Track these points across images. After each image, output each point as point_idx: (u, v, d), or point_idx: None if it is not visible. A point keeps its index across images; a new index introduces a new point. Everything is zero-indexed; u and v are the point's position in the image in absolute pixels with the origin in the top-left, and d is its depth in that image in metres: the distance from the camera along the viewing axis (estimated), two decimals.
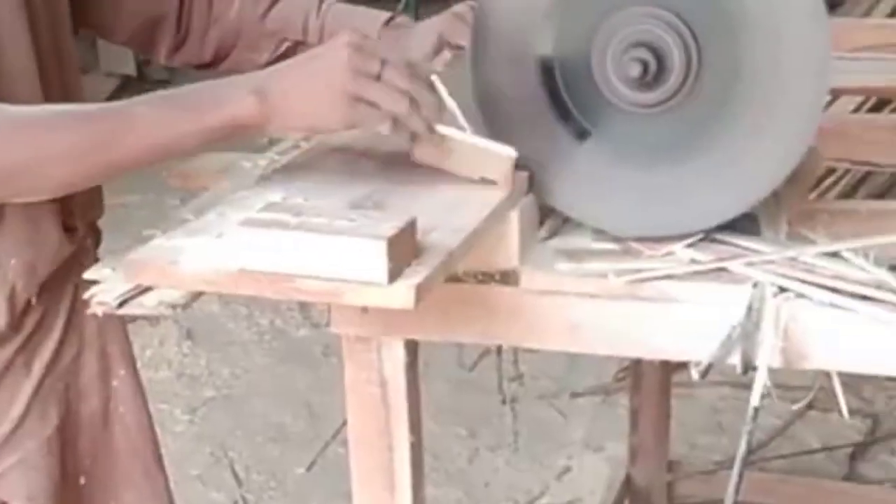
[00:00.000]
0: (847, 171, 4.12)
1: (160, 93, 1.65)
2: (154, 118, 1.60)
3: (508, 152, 1.67)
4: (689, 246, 1.68)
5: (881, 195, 4.21)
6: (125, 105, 1.64)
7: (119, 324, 2.00)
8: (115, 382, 2.00)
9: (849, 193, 4.20)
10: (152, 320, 4.51)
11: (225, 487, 3.79)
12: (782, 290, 1.59)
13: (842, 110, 2.99)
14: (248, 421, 4.12)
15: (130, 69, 7.08)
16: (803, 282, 1.59)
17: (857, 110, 3.65)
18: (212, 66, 2.10)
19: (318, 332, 4.53)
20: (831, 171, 4.01)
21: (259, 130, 1.63)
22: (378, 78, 1.59)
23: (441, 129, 1.67)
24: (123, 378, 2.01)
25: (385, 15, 2.06)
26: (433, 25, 1.97)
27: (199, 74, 1.84)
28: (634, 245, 1.70)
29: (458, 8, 1.97)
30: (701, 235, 1.69)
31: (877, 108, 3.73)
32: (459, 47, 1.92)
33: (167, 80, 7.24)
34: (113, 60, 6.99)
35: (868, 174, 4.20)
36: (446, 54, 1.95)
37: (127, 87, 6.98)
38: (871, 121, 2.60)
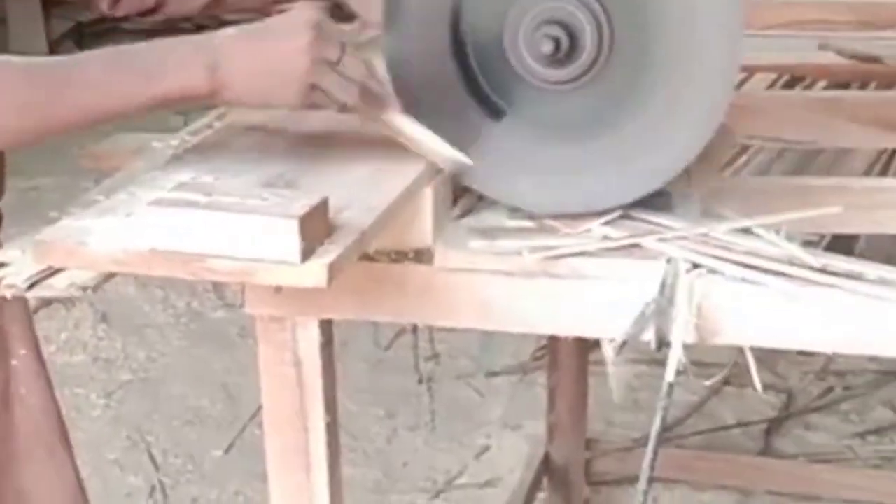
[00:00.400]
0: (761, 149, 4.14)
1: (112, 50, 1.60)
2: (102, 80, 1.56)
3: (453, 154, 1.67)
4: (606, 223, 1.68)
5: (795, 172, 4.23)
6: (73, 61, 1.59)
7: (19, 302, 1.96)
8: (14, 362, 1.96)
9: (763, 171, 4.21)
10: (67, 303, 4.47)
11: (142, 471, 3.76)
12: (695, 266, 1.60)
13: (756, 88, 3.01)
14: (165, 404, 4.09)
15: (42, 51, 6.99)
16: (716, 258, 1.60)
17: (770, 87, 3.67)
18: (154, 12, 2.06)
19: (235, 314, 4.51)
20: (745, 148, 4.03)
21: (207, 101, 1.61)
22: (336, 64, 1.59)
23: (392, 118, 1.67)
24: (24, 358, 1.97)
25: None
26: None
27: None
28: (550, 222, 1.70)
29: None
30: (619, 213, 1.69)
31: (790, 85, 3.75)
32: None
33: None
34: (23, 41, 6.90)
35: (782, 151, 4.23)
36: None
37: None
38: (785, 97, 2.61)
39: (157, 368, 4.31)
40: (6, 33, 6.88)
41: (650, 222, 1.70)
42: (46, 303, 4.42)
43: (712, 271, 1.59)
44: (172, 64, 1.57)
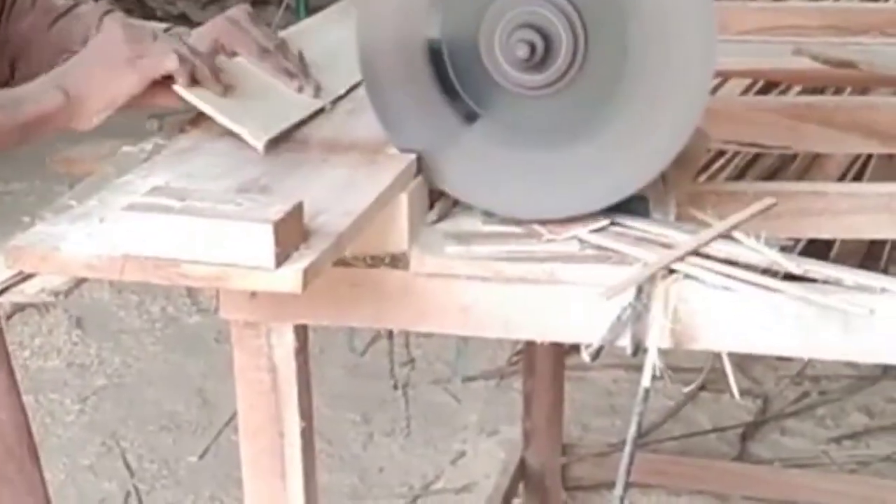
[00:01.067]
0: (736, 154, 4.15)
1: None
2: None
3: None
4: (594, 231, 1.67)
5: (770, 177, 4.25)
6: None
7: None
8: None
9: (738, 175, 4.23)
10: (40, 309, 4.44)
11: (117, 477, 3.75)
12: (671, 271, 1.60)
13: (730, 93, 3.01)
14: (140, 409, 4.07)
15: None
16: (693, 264, 1.60)
17: (745, 93, 3.68)
18: (7, 84, 2.06)
19: (210, 319, 4.49)
20: (721, 153, 4.04)
21: (67, 122, 1.73)
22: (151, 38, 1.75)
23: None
24: None
25: (162, 26, 2.04)
26: (208, 32, 1.97)
27: None
28: (537, 228, 1.69)
29: (231, 13, 1.99)
30: (607, 221, 1.69)
31: (765, 90, 3.76)
32: (235, 54, 1.94)
33: None
34: None
35: (757, 156, 4.24)
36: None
37: None
38: (760, 103, 2.62)
39: (131, 374, 4.29)
40: None
41: (625, 226, 1.69)
42: (20, 308, 4.40)
43: (688, 276, 1.58)
44: (33, 93, 1.72)
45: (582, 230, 1.67)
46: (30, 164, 4.87)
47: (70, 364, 4.33)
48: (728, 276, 1.57)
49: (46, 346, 4.40)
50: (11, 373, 2.00)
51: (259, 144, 1.72)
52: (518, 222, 1.70)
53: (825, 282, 1.56)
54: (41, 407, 3.97)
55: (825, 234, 1.97)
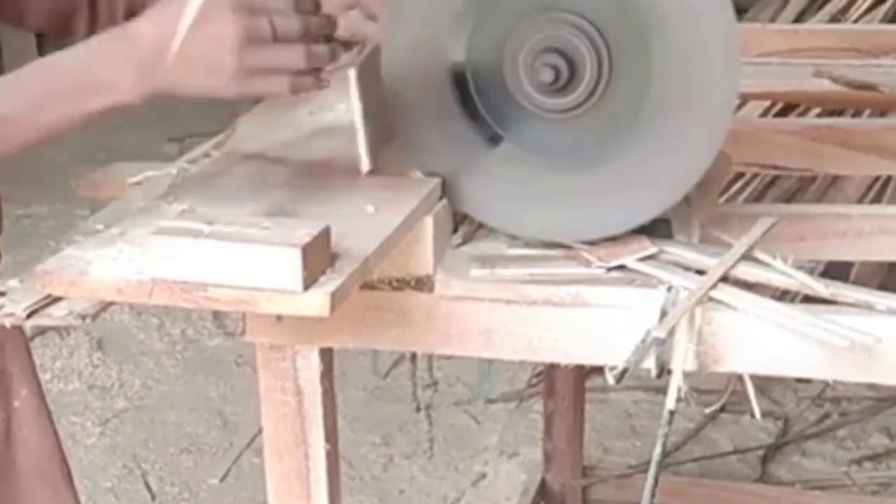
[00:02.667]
0: (755, 175, 4.16)
1: (39, 67, 1.61)
2: (34, 105, 1.57)
3: None
4: (642, 259, 1.68)
5: (789, 199, 4.25)
6: (4, 83, 1.60)
7: (20, 342, 1.95)
8: (16, 403, 1.95)
9: (757, 197, 4.23)
10: (61, 331, 4.46)
11: (138, 500, 3.75)
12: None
13: (749, 115, 3.02)
14: (161, 432, 4.08)
15: None
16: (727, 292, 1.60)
17: (764, 115, 3.69)
18: None
19: (231, 342, 4.50)
20: (740, 175, 4.05)
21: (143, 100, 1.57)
22: (271, 37, 1.53)
23: None
24: (26, 398, 1.96)
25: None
26: None
27: None
28: (585, 255, 1.69)
29: None
30: (655, 249, 1.69)
31: (783, 112, 3.77)
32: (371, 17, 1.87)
33: None
34: (16, 60, 6.89)
35: (776, 178, 4.24)
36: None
37: None
38: (780, 125, 2.62)
39: (152, 396, 4.30)
40: (0, 63, 6.88)
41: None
42: (41, 331, 4.41)
43: (720, 303, 1.58)
44: (105, 77, 1.55)
45: (629, 258, 1.67)
46: (50, 187, 4.90)
47: (91, 386, 4.34)
48: (758, 304, 1.57)
49: (67, 369, 4.42)
50: (42, 397, 2.00)
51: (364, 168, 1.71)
52: (549, 246, 1.71)
53: (855, 305, 1.57)
54: (62, 430, 3.93)
55: (848, 257, 1.97)
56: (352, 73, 1.67)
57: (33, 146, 1.60)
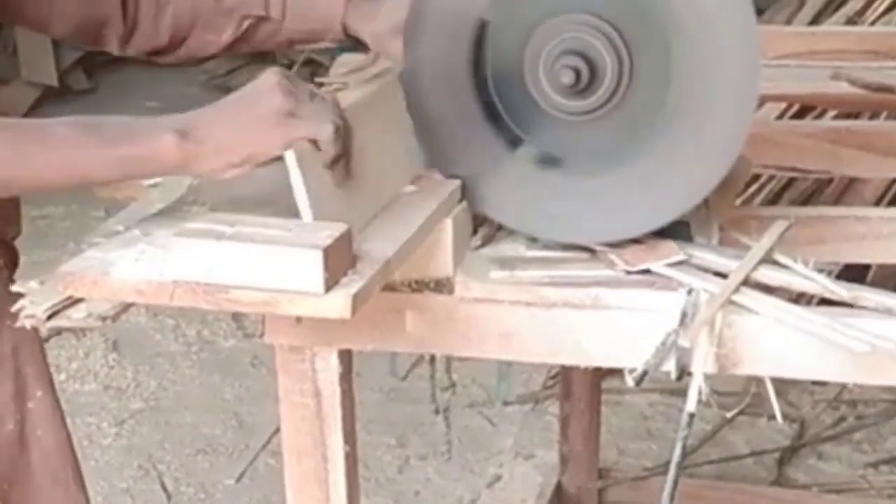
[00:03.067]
0: (771, 178, 4.15)
1: (83, 117, 1.60)
2: (69, 141, 1.56)
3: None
4: (670, 265, 1.67)
5: (805, 201, 4.24)
6: (42, 123, 1.59)
7: (34, 343, 1.96)
8: (31, 404, 1.96)
9: (773, 200, 4.23)
10: (77, 332, 4.46)
11: (154, 500, 3.75)
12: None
13: (766, 117, 3.01)
14: (177, 433, 4.08)
15: (52, 79, 7.00)
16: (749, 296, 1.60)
17: (780, 117, 3.68)
18: (169, 50, 2.02)
19: (247, 343, 4.50)
20: (756, 177, 4.04)
21: (183, 168, 1.57)
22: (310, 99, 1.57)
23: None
24: (40, 399, 1.97)
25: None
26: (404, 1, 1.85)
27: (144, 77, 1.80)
28: (613, 258, 1.69)
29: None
30: (682, 255, 1.68)
31: (800, 114, 3.76)
32: None
33: (90, 89, 7.19)
34: (34, 70, 6.91)
35: (792, 180, 4.24)
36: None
37: (48, 98, 6.90)
38: (798, 127, 2.62)
39: (168, 397, 4.30)
40: (16, 63, 6.90)
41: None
42: (57, 332, 4.41)
43: (733, 303, 1.58)
44: (142, 129, 1.56)
45: (658, 263, 1.67)
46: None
47: (107, 387, 4.35)
48: (778, 308, 1.57)
49: (83, 370, 4.42)
50: (55, 399, 2.01)
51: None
52: (568, 248, 1.71)
53: (875, 308, 1.57)
54: (78, 430, 3.97)
55: (867, 259, 1.97)
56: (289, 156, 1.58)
57: (69, 189, 1.62)
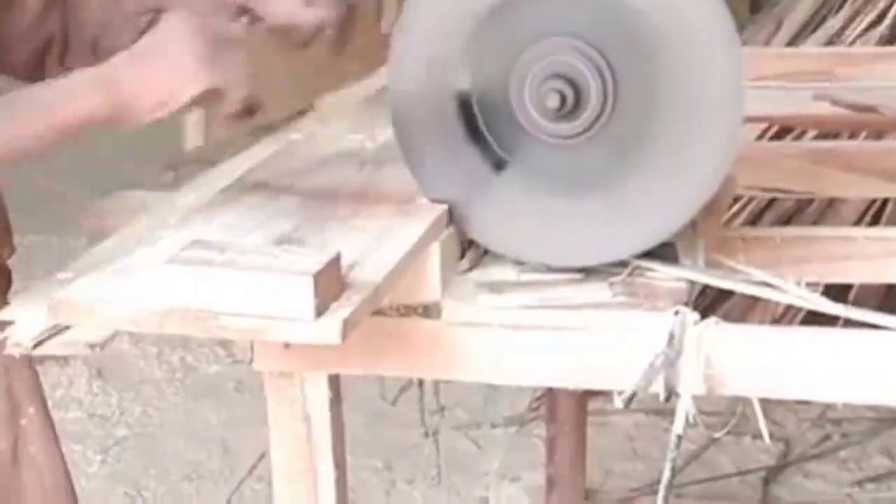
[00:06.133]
0: (752, 198, 4.16)
1: (13, 94, 1.65)
2: (5, 121, 1.60)
3: None
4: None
5: (787, 221, 4.26)
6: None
7: (26, 360, 1.95)
8: (23, 421, 1.95)
9: (754, 220, 4.24)
10: (60, 360, 4.45)
11: None
12: (703, 317, 1.61)
13: (746, 138, 3.03)
14: (162, 459, 4.07)
15: None
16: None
17: (760, 138, 3.69)
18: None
19: (231, 368, 4.50)
20: (737, 197, 4.05)
21: (115, 122, 1.63)
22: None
23: None
24: (32, 416, 1.96)
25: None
26: None
27: None
28: (559, 276, 1.70)
29: None
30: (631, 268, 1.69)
31: (779, 135, 3.77)
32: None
33: None
34: None
35: (773, 200, 4.25)
36: None
37: None
38: (781, 148, 2.64)
39: (153, 424, 4.30)
40: None
41: (656, 273, 1.71)
42: (40, 360, 4.40)
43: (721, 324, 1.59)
44: (67, 96, 1.62)
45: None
46: (47, 216, 4.90)
47: (91, 415, 4.34)
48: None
49: (67, 398, 4.41)
50: (48, 416, 2.00)
51: None
52: (555, 271, 1.71)
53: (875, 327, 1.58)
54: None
55: (853, 279, 1.98)
56: None
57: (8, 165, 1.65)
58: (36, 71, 2.01)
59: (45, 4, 1.95)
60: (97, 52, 1.99)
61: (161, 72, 1.62)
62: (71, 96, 1.62)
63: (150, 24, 1.95)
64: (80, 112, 1.61)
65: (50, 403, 4.18)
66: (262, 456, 3.78)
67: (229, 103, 1.64)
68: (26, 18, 1.94)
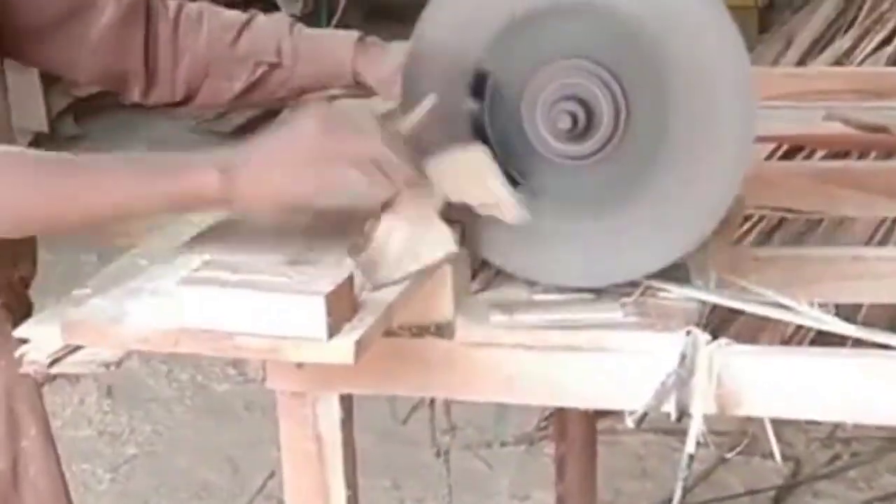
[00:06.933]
0: (762, 218, 4.17)
1: (124, 155, 1.67)
2: (110, 177, 1.60)
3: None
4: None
5: (796, 240, 4.26)
6: (82, 158, 1.64)
7: (28, 381, 1.96)
8: (24, 443, 1.95)
9: (763, 240, 4.25)
10: (71, 379, 4.45)
11: None
12: (714, 337, 1.61)
13: (756, 157, 3.03)
14: (172, 478, 4.07)
15: (42, 126, 7.00)
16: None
17: (769, 157, 3.70)
18: (186, 102, 2.05)
19: (240, 387, 4.50)
20: (747, 217, 4.06)
21: (223, 204, 1.61)
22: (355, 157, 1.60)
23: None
24: (34, 438, 1.96)
25: (355, 34, 2.02)
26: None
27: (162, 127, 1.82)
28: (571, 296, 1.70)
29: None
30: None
31: (788, 155, 3.78)
32: None
33: (79, 135, 7.19)
34: (24, 116, 6.91)
35: (782, 220, 4.26)
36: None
37: (39, 144, 6.89)
38: (792, 168, 2.64)
39: (163, 442, 4.30)
40: (7, 108, 6.90)
41: (668, 294, 1.71)
42: (51, 378, 4.41)
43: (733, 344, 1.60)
44: (186, 164, 1.60)
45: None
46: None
47: (101, 433, 4.34)
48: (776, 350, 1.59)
49: (77, 416, 4.41)
50: (50, 438, 2.00)
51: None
52: (568, 291, 1.72)
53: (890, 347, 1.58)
54: (74, 477, 3.96)
55: (864, 299, 1.98)
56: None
57: (109, 224, 1.66)
58: (114, 86, 2.03)
59: (122, 23, 1.97)
60: (193, 92, 2.04)
61: (279, 175, 1.60)
62: (184, 168, 1.60)
63: (264, 76, 1.99)
64: (192, 187, 1.58)
65: (60, 422, 4.24)
66: (272, 475, 3.79)
67: None
68: (100, 35, 1.96)
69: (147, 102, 2.06)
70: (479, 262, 1.78)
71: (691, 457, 1.62)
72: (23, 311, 1.93)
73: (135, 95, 2.04)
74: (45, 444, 1.99)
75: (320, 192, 1.60)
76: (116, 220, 1.62)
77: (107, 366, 1.59)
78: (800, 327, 3.42)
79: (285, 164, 1.59)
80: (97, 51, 1.97)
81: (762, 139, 2.68)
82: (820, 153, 3.65)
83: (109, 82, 2.03)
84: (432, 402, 4.14)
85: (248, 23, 2.02)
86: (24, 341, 1.61)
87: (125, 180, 1.59)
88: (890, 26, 4.50)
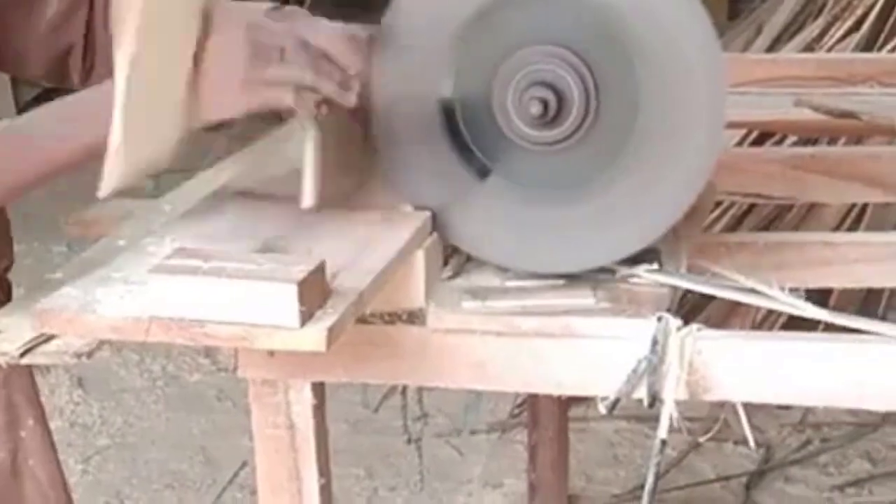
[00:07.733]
0: (732, 203, 4.18)
1: (58, 102, 1.64)
2: (54, 136, 1.60)
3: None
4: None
5: (766, 226, 4.27)
6: (25, 120, 1.66)
7: (25, 371, 1.95)
8: (23, 433, 1.95)
9: (734, 226, 4.26)
10: (42, 370, 4.44)
11: None
12: (686, 323, 1.61)
13: (726, 143, 3.04)
14: (144, 468, 4.06)
15: (11, 116, 6.94)
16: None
17: (740, 144, 3.71)
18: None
19: (212, 377, 4.49)
20: (718, 203, 4.06)
21: None
22: (279, 57, 1.59)
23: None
24: (32, 428, 1.96)
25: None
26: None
27: None
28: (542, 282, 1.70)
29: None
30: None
31: (759, 141, 3.79)
32: None
33: None
34: None
35: (753, 206, 4.27)
36: None
37: None
38: (762, 154, 2.65)
39: (134, 433, 4.28)
40: None
41: (639, 279, 1.71)
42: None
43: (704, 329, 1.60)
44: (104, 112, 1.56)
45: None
46: (27, 224, 4.88)
47: (73, 424, 4.32)
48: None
49: (49, 407, 4.32)
50: (47, 428, 2.00)
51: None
52: (539, 277, 1.72)
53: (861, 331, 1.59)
54: None
55: (834, 284, 1.99)
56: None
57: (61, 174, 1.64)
58: (58, 76, 2.02)
59: (69, 6, 1.95)
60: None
61: (206, 90, 1.59)
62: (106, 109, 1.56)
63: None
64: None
65: None
66: (244, 464, 3.79)
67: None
68: (47, 22, 1.93)
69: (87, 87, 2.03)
70: (450, 248, 1.78)
71: (664, 442, 1.62)
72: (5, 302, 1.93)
73: (75, 83, 2.00)
74: (42, 434, 1.99)
75: (251, 109, 1.59)
76: (65, 171, 1.63)
77: (79, 356, 1.58)
78: (770, 312, 3.45)
79: (212, 81, 1.58)
80: (45, 43, 1.95)
81: (733, 125, 2.69)
82: (790, 139, 3.66)
83: (55, 69, 2.00)
84: (404, 389, 4.16)
85: None
86: None
87: (68, 138, 1.60)
88: (859, 13, 4.51)
